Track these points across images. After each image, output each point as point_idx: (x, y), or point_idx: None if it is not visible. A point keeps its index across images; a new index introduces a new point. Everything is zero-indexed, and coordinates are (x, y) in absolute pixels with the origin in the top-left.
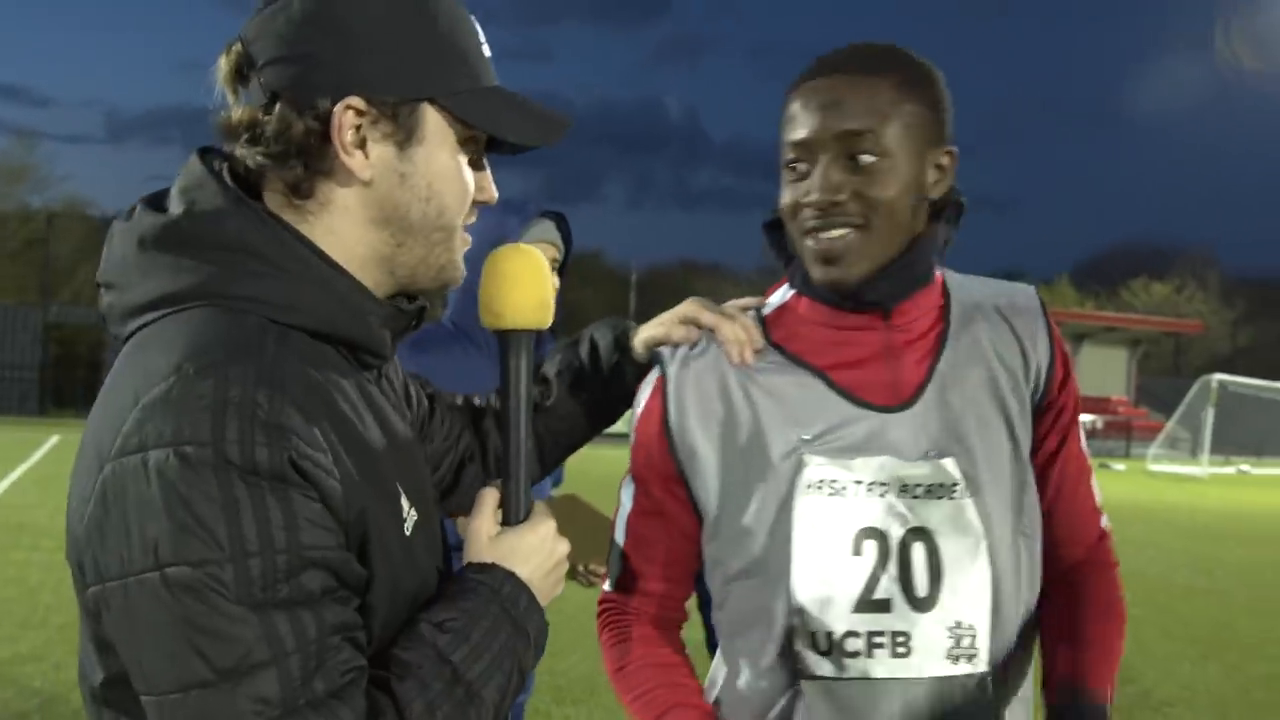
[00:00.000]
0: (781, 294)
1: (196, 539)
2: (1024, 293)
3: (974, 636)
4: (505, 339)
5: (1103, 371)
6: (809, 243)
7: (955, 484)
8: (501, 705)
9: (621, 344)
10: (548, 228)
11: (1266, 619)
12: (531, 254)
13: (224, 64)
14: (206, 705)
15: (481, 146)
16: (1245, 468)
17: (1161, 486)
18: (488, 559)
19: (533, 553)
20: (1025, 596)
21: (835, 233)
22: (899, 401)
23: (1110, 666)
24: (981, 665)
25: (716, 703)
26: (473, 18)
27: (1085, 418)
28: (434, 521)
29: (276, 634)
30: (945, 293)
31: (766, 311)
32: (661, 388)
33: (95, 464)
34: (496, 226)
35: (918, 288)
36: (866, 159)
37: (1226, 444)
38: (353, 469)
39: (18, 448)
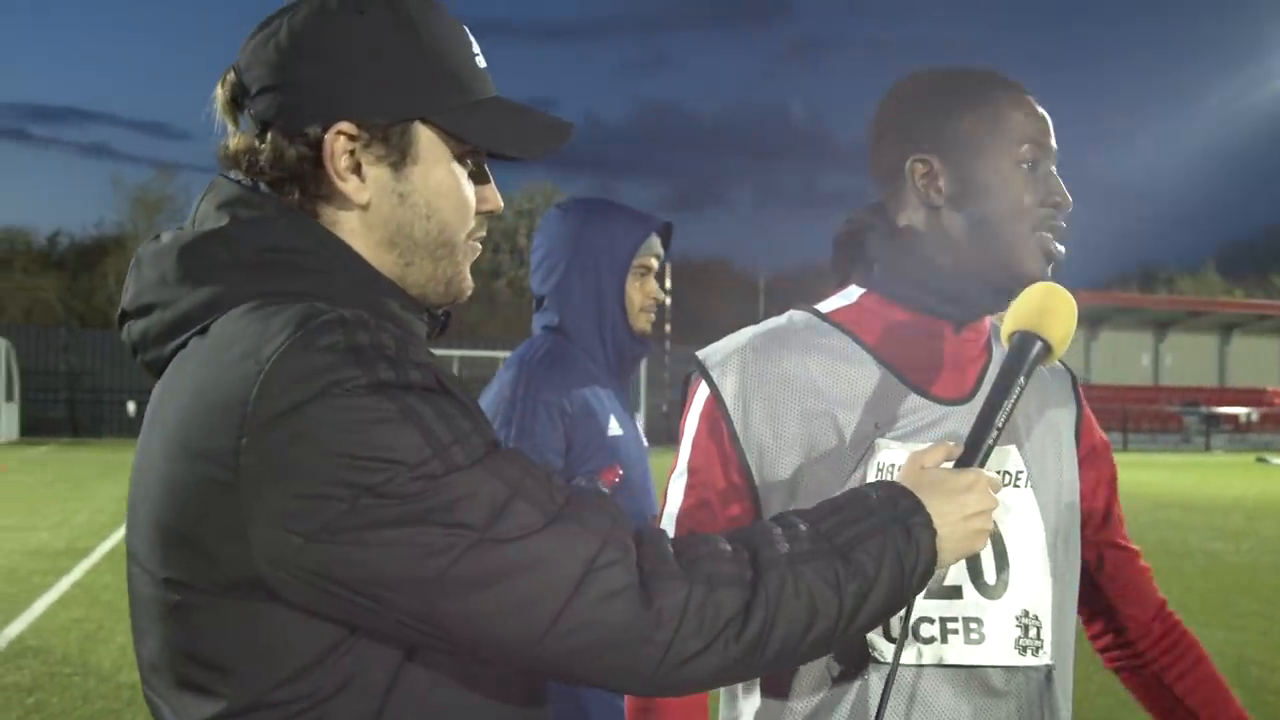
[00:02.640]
0: (846, 294)
1: (398, 449)
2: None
3: (1039, 628)
4: (1027, 335)
5: (1256, 362)
6: (1045, 237)
7: (1020, 472)
8: (888, 597)
9: None
10: (655, 237)
11: None
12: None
13: (220, 93)
14: (482, 560)
15: (483, 158)
16: None
17: None
18: (905, 482)
19: (954, 492)
20: (1071, 599)
21: (1059, 245)
22: (962, 394)
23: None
24: (1046, 658)
25: (782, 692)
26: (465, 29)
27: (1239, 410)
28: None
29: (502, 472)
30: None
31: (829, 310)
32: (715, 385)
33: (212, 452)
34: (621, 235)
35: (992, 312)
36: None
37: None
38: None
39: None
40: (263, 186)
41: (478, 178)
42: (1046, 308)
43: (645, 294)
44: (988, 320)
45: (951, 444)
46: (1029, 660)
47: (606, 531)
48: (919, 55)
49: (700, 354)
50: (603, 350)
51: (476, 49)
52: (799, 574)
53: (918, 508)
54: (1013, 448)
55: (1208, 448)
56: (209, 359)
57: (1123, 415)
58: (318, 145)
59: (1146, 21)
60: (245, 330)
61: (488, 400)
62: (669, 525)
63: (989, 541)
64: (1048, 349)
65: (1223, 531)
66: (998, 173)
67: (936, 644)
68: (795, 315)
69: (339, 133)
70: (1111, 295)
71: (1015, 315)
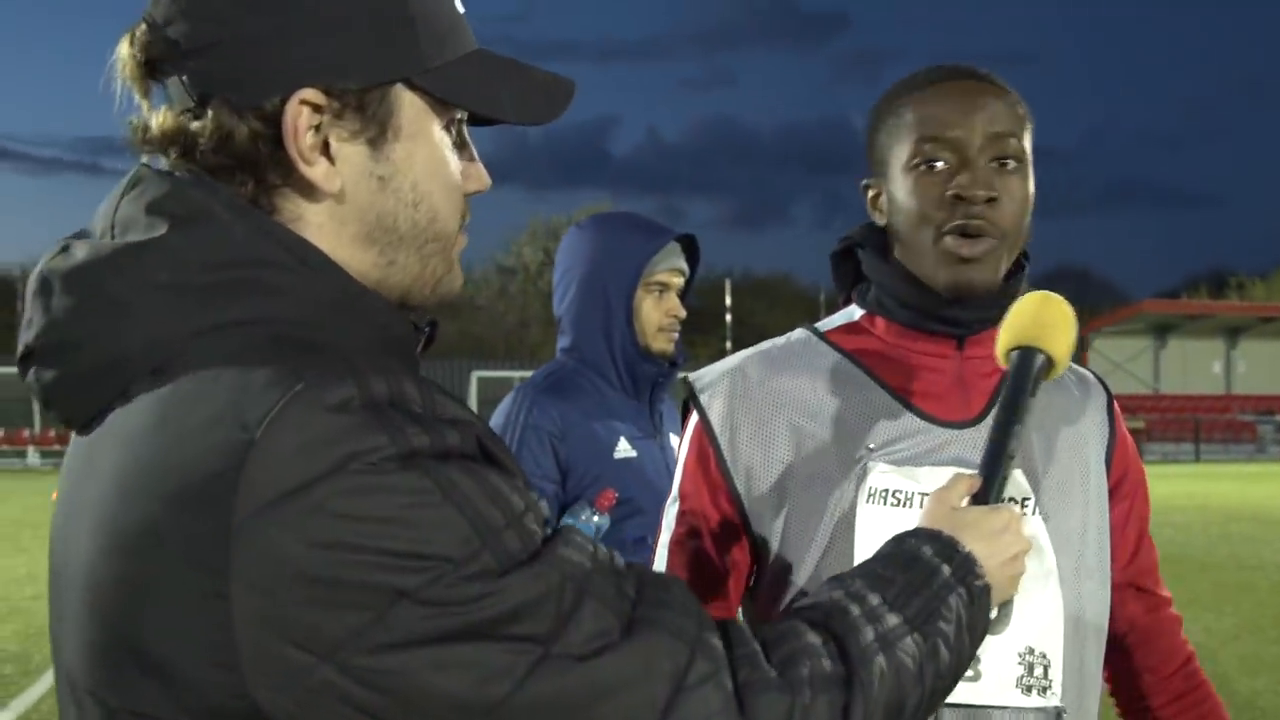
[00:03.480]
0: (847, 313)
1: (439, 541)
2: (1089, 371)
3: (1047, 667)
4: (1030, 352)
5: None
6: (949, 241)
7: (1026, 499)
8: (957, 667)
9: None
10: (677, 252)
11: None
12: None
13: (126, 54)
14: (552, 684)
15: (463, 126)
16: None
17: None
18: (944, 527)
19: (994, 534)
20: (1095, 640)
21: (981, 244)
22: (968, 417)
23: None
24: (1055, 699)
25: None
26: None
27: None
28: None
29: (567, 563)
30: None
31: (828, 329)
32: (703, 409)
33: (186, 549)
34: (634, 250)
35: (997, 323)
36: (1012, 164)
37: None
38: None
39: None
40: (204, 176)
41: (460, 150)
42: (1044, 320)
43: (664, 311)
44: None
45: (972, 475)
46: (1035, 701)
47: (694, 636)
48: (979, 64)
49: (691, 376)
50: (615, 370)
51: None
52: (887, 663)
53: (972, 563)
54: (1019, 472)
55: None
56: (162, 424)
57: (1194, 426)
58: (276, 120)
59: (1221, 17)
60: (214, 383)
61: (492, 425)
62: (663, 552)
63: None
64: (1050, 364)
65: None
66: (900, 182)
67: None
68: (794, 335)
69: (303, 103)
70: (1181, 303)
71: (1011, 330)
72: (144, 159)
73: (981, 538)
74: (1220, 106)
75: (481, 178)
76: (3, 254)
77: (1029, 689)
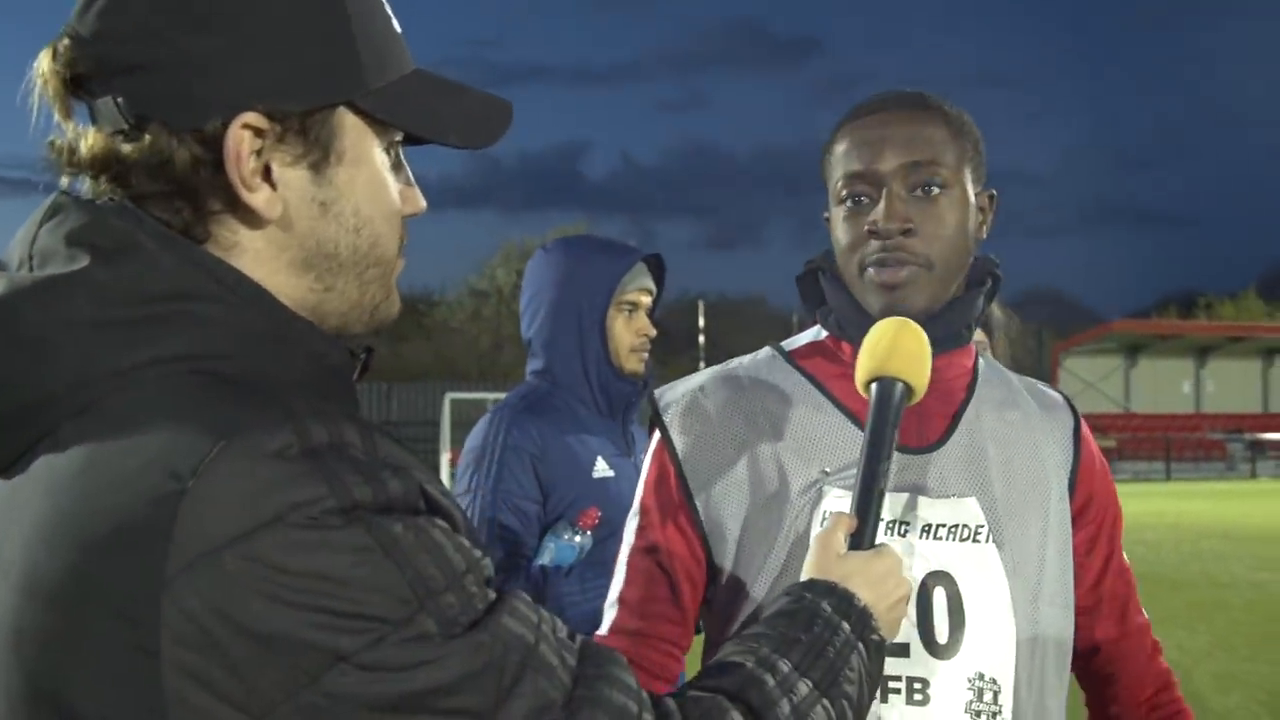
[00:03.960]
0: (814, 332)
1: (377, 602)
2: (1056, 393)
3: (997, 692)
4: (888, 383)
5: None
6: (870, 273)
7: (980, 526)
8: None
9: None
10: (642, 271)
11: None
12: (915, 327)
13: (48, 69)
14: None
15: (399, 147)
16: None
17: None
18: (833, 577)
19: (880, 580)
20: (1055, 665)
21: (902, 271)
22: (925, 444)
23: None
24: None
25: None
26: None
27: None
28: None
29: (509, 633)
30: (975, 358)
31: (793, 347)
32: (665, 427)
33: (113, 604)
34: (601, 271)
35: (955, 346)
36: (934, 191)
37: None
38: None
39: None
40: (127, 204)
41: (396, 172)
42: (899, 348)
43: (634, 331)
44: (970, 358)
45: (849, 516)
46: None
47: (635, 715)
48: (951, 89)
49: (656, 393)
50: (590, 391)
51: (389, 8)
52: None
53: (868, 617)
54: (972, 500)
55: (1253, 475)
56: (87, 469)
57: (1165, 444)
58: (216, 144)
59: (1191, 41)
60: (142, 428)
61: (467, 447)
62: (622, 566)
63: (945, 597)
64: (909, 391)
65: (1269, 561)
66: (834, 215)
67: (876, 703)
68: (760, 354)
69: (244, 126)
70: (1151, 323)
71: (868, 360)
72: (62, 185)
73: (869, 584)
74: (1190, 128)
75: (417, 200)
76: None
77: (978, 714)
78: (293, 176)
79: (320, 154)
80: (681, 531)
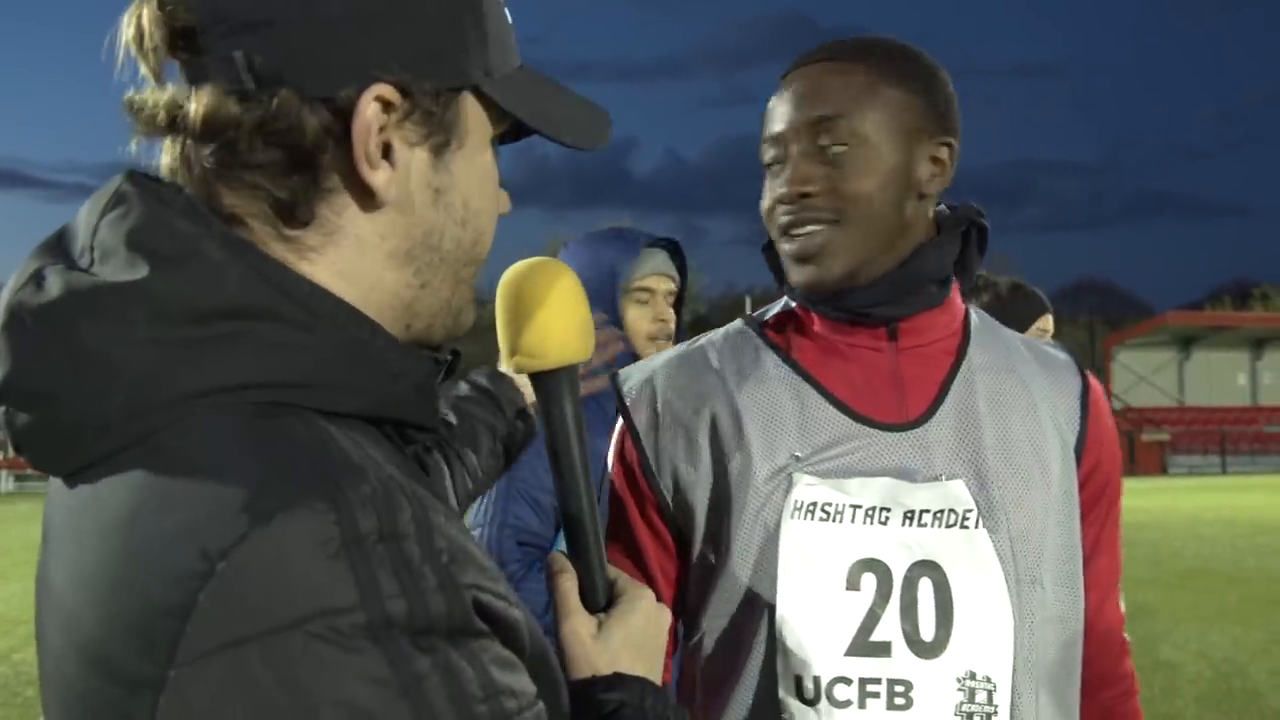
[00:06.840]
0: (783, 303)
1: None
2: (1063, 352)
3: (991, 692)
4: (549, 382)
5: None
6: (784, 244)
7: (969, 511)
8: None
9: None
10: (662, 258)
11: None
12: (550, 266)
13: (150, 17)
14: None
15: (496, 141)
16: None
17: None
18: (605, 671)
19: (645, 641)
20: (1060, 653)
21: (808, 229)
22: (906, 420)
23: None
24: None
25: None
26: None
27: None
28: None
29: None
30: (966, 318)
31: (765, 318)
32: (627, 411)
33: (123, 676)
34: (609, 261)
35: (926, 306)
36: (837, 148)
37: None
38: None
39: None
40: (225, 177)
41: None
42: (531, 326)
43: (650, 319)
44: (956, 318)
45: (569, 573)
46: None
47: None
48: (996, 77)
49: (622, 373)
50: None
51: None
52: None
53: (663, 707)
54: (958, 482)
55: None
56: (133, 521)
57: (1220, 437)
58: (346, 115)
59: (1242, 25)
60: (188, 480)
61: None
62: None
63: (932, 589)
64: (573, 370)
65: None
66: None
67: (852, 709)
68: (731, 328)
69: (377, 98)
70: (1204, 314)
71: (506, 358)
72: (126, 171)
73: (638, 652)
74: (1244, 116)
75: (506, 201)
76: None
77: (970, 716)
78: (413, 158)
79: (443, 137)
80: (650, 524)
